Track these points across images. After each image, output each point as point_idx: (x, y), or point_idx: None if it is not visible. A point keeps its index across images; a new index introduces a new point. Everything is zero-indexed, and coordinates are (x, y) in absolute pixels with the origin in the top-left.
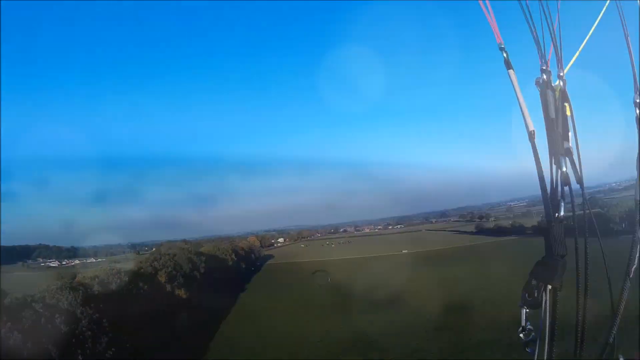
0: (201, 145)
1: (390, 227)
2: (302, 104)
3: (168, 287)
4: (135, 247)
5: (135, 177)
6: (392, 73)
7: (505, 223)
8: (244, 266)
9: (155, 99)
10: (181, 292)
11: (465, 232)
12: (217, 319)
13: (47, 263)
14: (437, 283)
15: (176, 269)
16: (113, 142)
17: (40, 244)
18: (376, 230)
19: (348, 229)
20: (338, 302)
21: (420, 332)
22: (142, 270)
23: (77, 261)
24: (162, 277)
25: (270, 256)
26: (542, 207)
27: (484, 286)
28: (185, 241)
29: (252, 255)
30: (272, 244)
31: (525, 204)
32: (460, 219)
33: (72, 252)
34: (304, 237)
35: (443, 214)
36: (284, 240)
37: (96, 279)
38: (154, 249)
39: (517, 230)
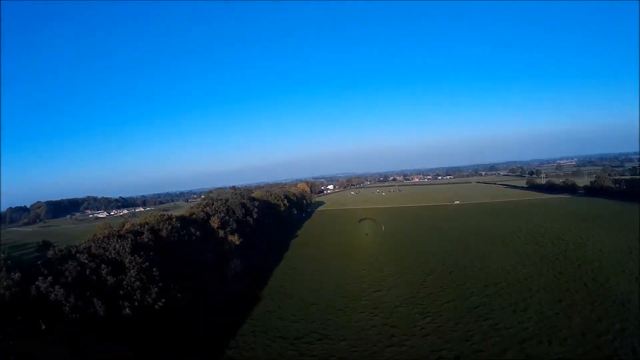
0: (248, 92)
1: (439, 177)
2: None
3: (221, 233)
4: (184, 195)
5: (176, 128)
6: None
7: (557, 180)
8: (295, 212)
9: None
10: (234, 239)
11: (516, 187)
12: (269, 266)
13: (95, 214)
14: (493, 235)
15: (229, 214)
16: (151, 96)
17: (88, 197)
18: (425, 180)
19: (397, 178)
20: (393, 250)
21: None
22: (194, 216)
23: (125, 211)
24: (214, 223)
25: (321, 202)
26: (593, 167)
27: (540, 242)
28: (234, 187)
29: (304, 201)
30: (322, 191)
31: (574, 162)
32: (510, 173)
33: (121, 203)
34: (353, 185)
35: (492, 167)
36: (334, 187)
37: (145, 226)
38: (202, 196)
39: (569, 188)
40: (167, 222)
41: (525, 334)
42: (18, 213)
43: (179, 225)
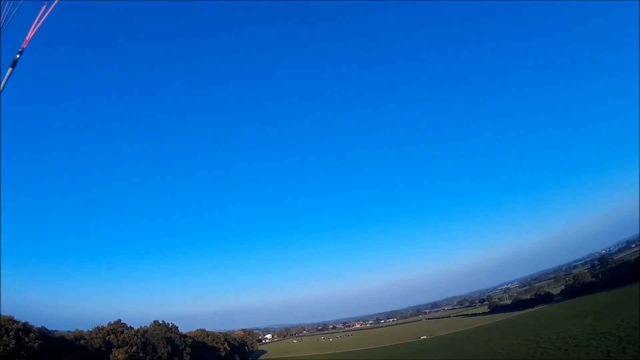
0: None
1: (382, 321)
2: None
3: None
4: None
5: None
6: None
7: (525, 295)
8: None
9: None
10: None
11: (475, 314)
12: None
13: None
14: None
15: (146, 350)
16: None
17: None
18: (367, 325)
19: (337, 326)
20: None
21: None
22: (82, 342)
23: None
24: (118, 358)
25: (263, 351)
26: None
27: (592, 344)
28: (157, 322)
29: (246, 348)
30: (260, 340)
31: (517, 284)
32: (458, 306)
33: None
34: (292, 334)
35: (434, 305)
36: (272, 336)
37: None
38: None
39: (543, 298)
40: (15, 340)
41: None
42: None
43: (39, 347)
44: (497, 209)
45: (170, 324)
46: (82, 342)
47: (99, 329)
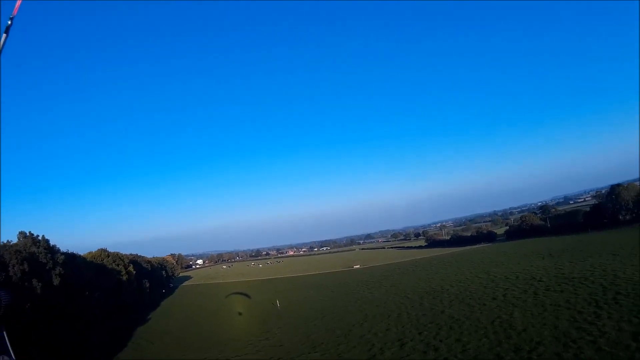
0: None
1: (315, 249)
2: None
3: None
4: None
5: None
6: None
7: (465, 232)
8: (148, 285)
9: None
10: None
11: (411, 247)
12: None
13: None
14: (464, 292)
15: None
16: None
17: None
18: (301, 252)
19: (270, 252)
20: (319, 334)
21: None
22: None
23: None
24: None
25: (188, 277)
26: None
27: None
28: (22, 233)
29: (163, 273)
30: (190, 266)
31: (452, 223)
32: (392, 239)
33: None
34: (225, 260)
35: (368, 236)
36: (203, 262)
37: None
38: None
39: (486, 236)
40: None
41: None
42: None
43: None
44: (429, 148)
45: (40, 237)
46: None
47: None
